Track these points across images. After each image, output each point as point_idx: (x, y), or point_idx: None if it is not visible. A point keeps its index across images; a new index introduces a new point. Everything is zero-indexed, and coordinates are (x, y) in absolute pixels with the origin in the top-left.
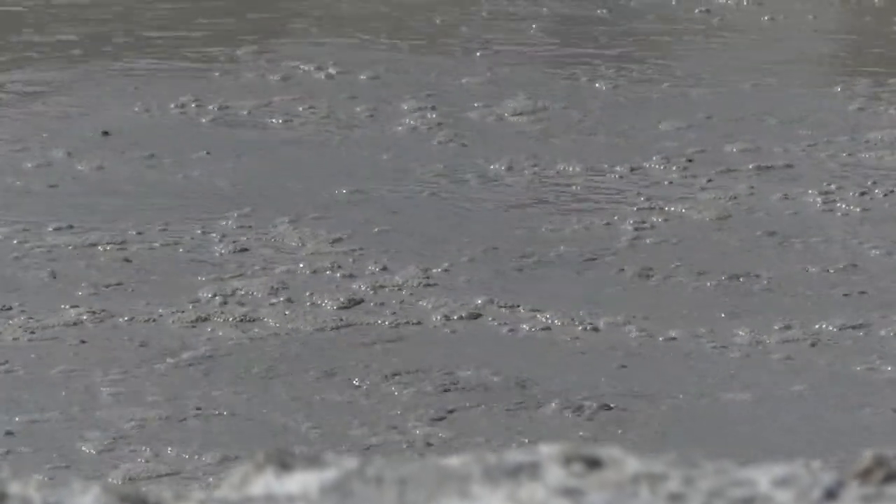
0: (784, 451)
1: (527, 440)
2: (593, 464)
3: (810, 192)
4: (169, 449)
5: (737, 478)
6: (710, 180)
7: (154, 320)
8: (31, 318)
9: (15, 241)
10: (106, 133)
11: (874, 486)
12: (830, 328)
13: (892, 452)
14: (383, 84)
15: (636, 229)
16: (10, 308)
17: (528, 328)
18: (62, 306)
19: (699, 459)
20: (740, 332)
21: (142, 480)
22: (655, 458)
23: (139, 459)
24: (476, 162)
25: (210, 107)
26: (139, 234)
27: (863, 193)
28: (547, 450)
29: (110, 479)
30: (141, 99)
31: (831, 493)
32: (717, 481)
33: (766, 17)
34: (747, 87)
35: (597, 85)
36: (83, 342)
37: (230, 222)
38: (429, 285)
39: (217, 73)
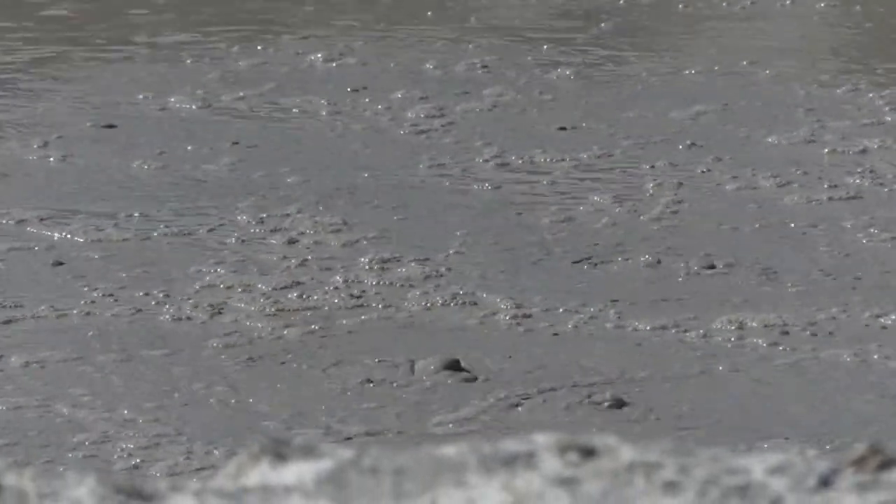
0: (780, 438)
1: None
2: (588, 453)
3: (827, 183)
4: (197, 444)
5: (731, 466)
6: (723, 169)
7: (165, 311)
8: (51, 307)
9: (26, 231)
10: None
11: (869, 474)
12: (840, 318)
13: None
14: (382, 75)
15: (642, 220)
16: (23, 305)
17: (535, 320)
18: (73, 299)
19: (694, 448)
20: (747, 322)
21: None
22: (650, 447)
23: (171, 455)
24: (482, 152)
25: (212, 97)
26: (148, 225)
27: (881, 184)
28: (542, 439)
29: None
30: (146, 90)
31: (826, 481)
32: (712, 469)
33: (789, 4)
34: (765, 75)
35: (604, 72)
36: (94, 333)
37: (237, 214)
38: (434, 277)
39: (216, 64)
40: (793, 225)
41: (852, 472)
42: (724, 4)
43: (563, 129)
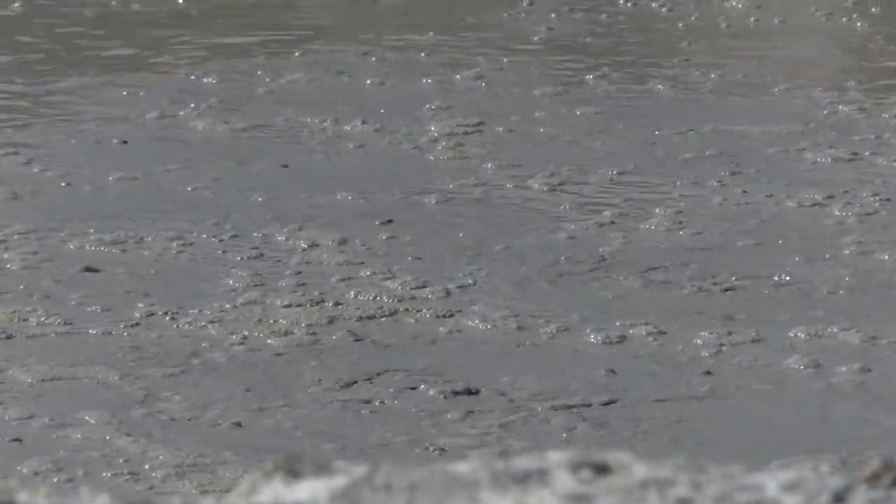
0: (793, 453)
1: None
2: (601, 470)
3: (859, 199)
4: (218, 468)
5: (744, 483)
6: (751, 185)
7: (178, 328)
8: (65, 322)
9: (46, 247)
10: (125, 142)
11: (882, 490)
12: (847, 333)
13: None
14: (398, 91)
15: (667, 236)
16: (50, 312)
17: (561, 338)
18: (91, 314)
19: (707, 464)
20: (758, 335)
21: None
22: (663, 464)
23: (202, 477)
24: (509, 171)
25: (221, 117)
26: (184, 242)
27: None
28: (555, 456)
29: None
30: (183, 105)
31: (839, 498)
32: (725, 486)
33: (824, 21)
34: (797, 92)
35: (618, 89)
36: (132, 348)
37: (252, 231)
38: (456, 295)
39: (223, 82)
40: (822, 240)
41: (865, 489)
42: (775, 21)
43: (591, 143)
